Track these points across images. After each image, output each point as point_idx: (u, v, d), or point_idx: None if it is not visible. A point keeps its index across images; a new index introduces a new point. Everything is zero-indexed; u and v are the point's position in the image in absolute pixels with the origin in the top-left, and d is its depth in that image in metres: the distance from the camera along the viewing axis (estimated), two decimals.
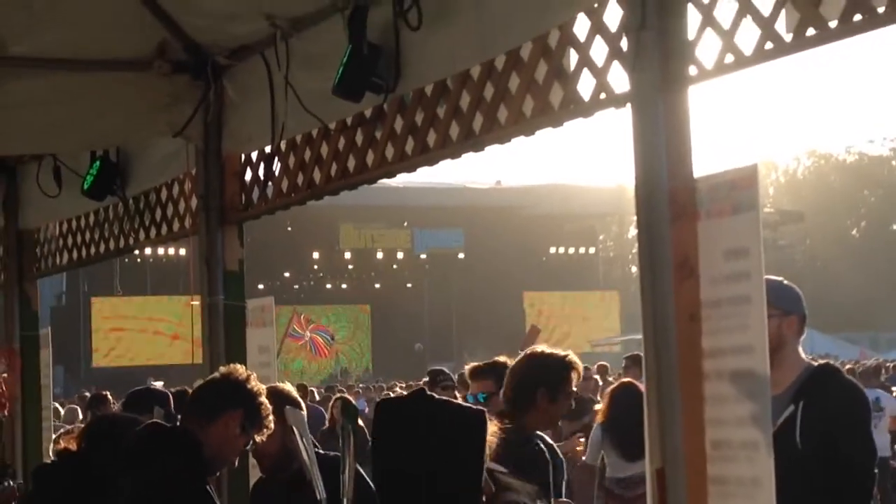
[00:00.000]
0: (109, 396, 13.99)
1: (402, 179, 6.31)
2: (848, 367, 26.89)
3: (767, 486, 3.96)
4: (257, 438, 5.32)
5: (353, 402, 7.50)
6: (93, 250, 9.25)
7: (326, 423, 17.18)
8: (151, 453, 5.02)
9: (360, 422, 8.37)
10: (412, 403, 3.61)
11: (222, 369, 5.50)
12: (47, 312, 50.90)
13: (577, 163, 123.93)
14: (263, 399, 5.30)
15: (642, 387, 4.44)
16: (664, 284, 4.27)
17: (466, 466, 3.50)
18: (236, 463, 5.50)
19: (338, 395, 20.02)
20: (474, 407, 3.67)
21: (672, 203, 4.28)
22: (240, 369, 5.39)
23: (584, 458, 11.63)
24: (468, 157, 5.63)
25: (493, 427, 3.64)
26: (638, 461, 9.88)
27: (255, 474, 6.59)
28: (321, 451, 5.89)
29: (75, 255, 9.54)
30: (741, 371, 4.03)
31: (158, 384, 16.00)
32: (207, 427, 5.13)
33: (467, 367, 7.21)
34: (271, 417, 5.33)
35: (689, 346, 4.22)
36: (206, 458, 5.07)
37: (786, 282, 5.77)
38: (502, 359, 6.93)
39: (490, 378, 6.84)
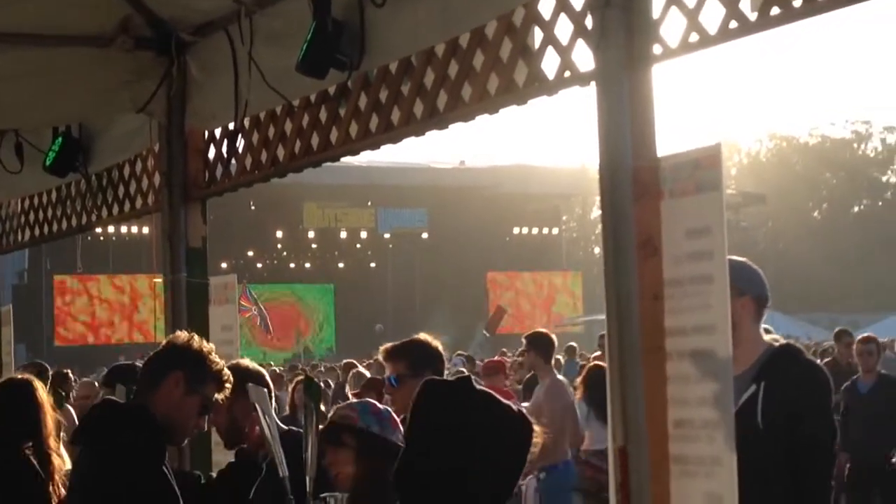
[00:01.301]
0: (70, 374, 13.93)
1: (365, 158, 6.29)
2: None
3: (728, 465, 3.97)
4: (218, 397, 5.23)
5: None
6: (55, 227, 9.19)
7: (286, 408, 16.62)
8: (102, 432, 4.97)
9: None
10: (457, 391, 3.51)
11: (165, 340, 5.43)
12: (9, 290, 50.73)
13: (540, 143, 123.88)
14: (208, 356, 5.18)
15: None
16: (627, 263, 4.27)
17: (502, 473, 3.42)
18: (205, 426, 5.38)
19: (298, 377, 19.68)
20: (518, 409, 3.58)
21: (635, 182, 4.28)
22: (180, 335, 5.30)
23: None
24: (432, 137, 5.65)
25: (537, 437, 3.57)
26: None
27: (217, 451, 6.59)
28: (288, 428, 5.87)
29: (37, 231, 9.48)
30: (703, 350, 4.04)
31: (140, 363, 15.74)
32: (153, 396, 5.04)
33: (381, 349, 6.82)
34: (226, 373, 5.24)
35: (651, 326, 4.22)
36: (162, 429, 5.00)
37: (748, 263, 5.78)
38: (422, 336, 6.57)
39: (404, 359, 6.38)
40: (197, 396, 5.10)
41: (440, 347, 6.52)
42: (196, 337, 5.26)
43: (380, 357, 6.85)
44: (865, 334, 15.11)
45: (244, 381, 5.67)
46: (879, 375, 13.92)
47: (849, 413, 13.72)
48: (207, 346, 5.23)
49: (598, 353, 19.91)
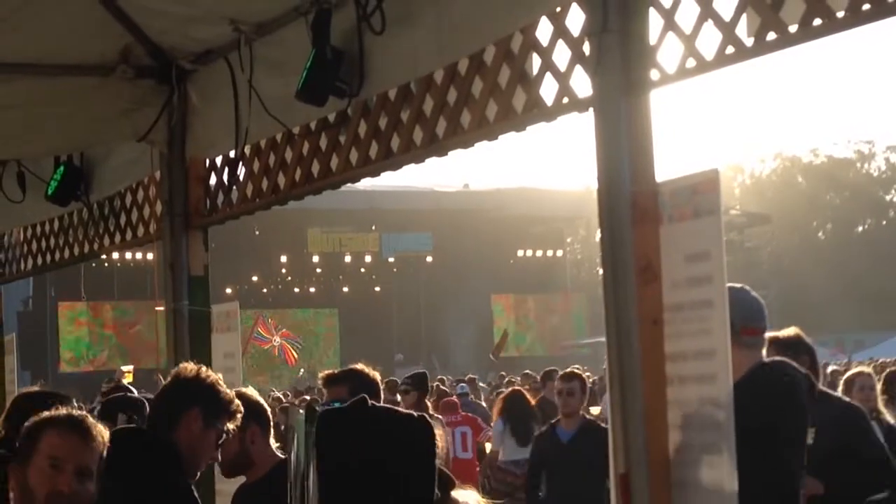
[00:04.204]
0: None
1: (369, 183, 6.31)
2: (832, 368, 26.70)
3: (729, 490, 3.97)
4: (230, 426, 5.22)
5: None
6: (57, 256, 9.21)
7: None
8: (129, 457, 4.97)
9: None
10: (354, 413, 3.59)
11: (172, 372, 5.44)
12: (13, 317, 50.71)
13: (545, 165, 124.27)
14: (220, 388, 5.19)
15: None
16: (627, 288, 4.28)
17: (419, 478, 3.49)
18: (218, 457, 5.37)
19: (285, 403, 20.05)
20: (418, 415, 3.64)
21: (635, 207, 4.29)
22: (188, 367, 5.29)
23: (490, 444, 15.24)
24: (435, 161, 5.64)
25: (439, 431, 3.65)
26: (526, 447, 13.24)
27: (220, 480, 6.59)
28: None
29: (40, 260, 9.50)
30: (703, 375, 4.04)
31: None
32: (172, 434, 5.07)
33: (321, 375, 6.88)
34: (236, 403, 5.24)
35: (652, 351, 4.22)
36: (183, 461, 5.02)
37: (746, 290, 5.78)
38: (359, 366, 6.62)
39: (344, 385, 6.39)
40: (214, 430, 5.10)
41: (377, 377, 6.56)
42: (203, 368, 5.26)
43: (320, 383, 6.93)
44: (570, 370, 12.27)
45: (249, 411, 5.71)
46: (583, 421, 11.42)
47: (545, 464, 11.51)
48: (214, 377, 5.23)
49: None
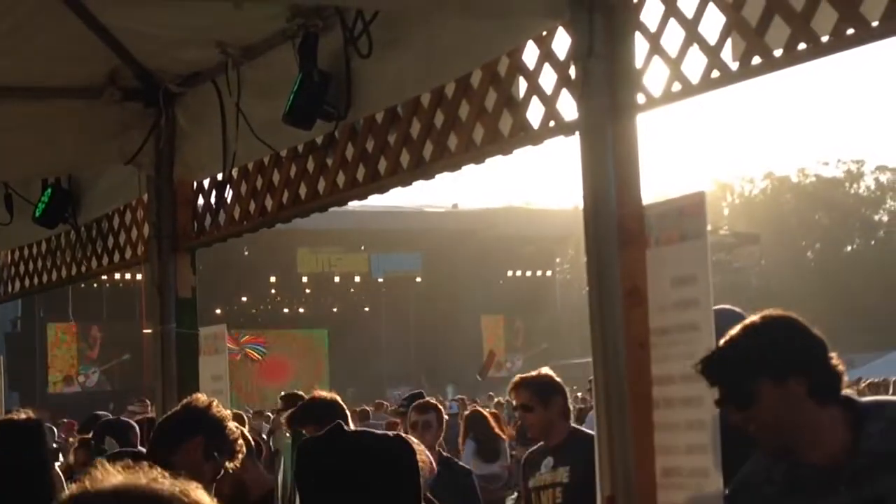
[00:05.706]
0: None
1: (358, 203, 6.32)
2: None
3: None
4: (229, 466, 5.20)
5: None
6: (45, 278, 9.20)
7: None
8: None
9: None
10: (330, 441, 3.60)
11: (184, 401, 5.42)
12: (1, 338, 50.67)
13: (533, 184, 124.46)
14: (229, 424, 5.15)
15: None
16: (613, 311, 4.29)
17: (403, 496, 3.51)
18: (211, 492, 5.32)
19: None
20: (394, 434, 3.66)
21: (621, 229, 4.30)
22: (200, 397, 5.27)
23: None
24: (423, 181, 5.65)
25: (419, 447, 3.67)
26: (492, 462, 14.59)
27: None
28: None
29: (27, 282, 9.48)
30: (690, 399, 4.04)
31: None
32: (171, 459, 5.00)
33: (284, 417, 6.64)
34: (241, 443, 5.22)
35: (638, 374, 4.23)
36: None
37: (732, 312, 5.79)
38: (322, 394, 6.56)
39: (312, 423, 5.92)
40: (212, 463, 5.03)
41: (336, 397, 6.53)
42: (216, 402, 5.24)
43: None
44: (425, 400, 10.86)
45: None
46: (438, 459, 9.28)
47: None
48: (226, 413, 5.21)
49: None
